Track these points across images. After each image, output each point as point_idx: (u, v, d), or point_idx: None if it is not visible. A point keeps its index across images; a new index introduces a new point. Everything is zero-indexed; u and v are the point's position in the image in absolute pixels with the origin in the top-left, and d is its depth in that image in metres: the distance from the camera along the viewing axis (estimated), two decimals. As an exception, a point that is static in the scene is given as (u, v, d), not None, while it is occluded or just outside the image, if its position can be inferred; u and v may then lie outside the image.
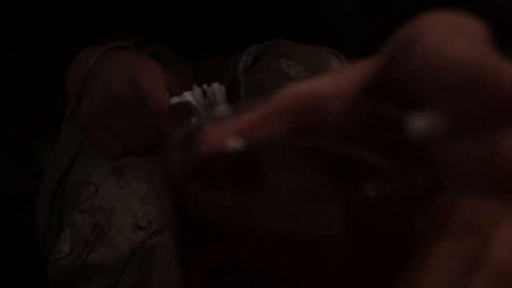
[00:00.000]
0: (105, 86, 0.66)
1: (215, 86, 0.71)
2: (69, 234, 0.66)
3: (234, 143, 0.23)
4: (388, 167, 0.22)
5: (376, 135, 0.23)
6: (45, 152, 0.79)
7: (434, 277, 0.19)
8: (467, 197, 0.20)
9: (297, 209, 0.19)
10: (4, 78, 0.78)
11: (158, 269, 0.61)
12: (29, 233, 0.73)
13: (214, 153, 0.23)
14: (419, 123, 0.21)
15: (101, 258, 0.62)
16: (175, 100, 0.69)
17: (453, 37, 0.20)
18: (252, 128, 0.24)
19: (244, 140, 0.23)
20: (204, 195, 0.20)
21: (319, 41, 0.79)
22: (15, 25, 0.75)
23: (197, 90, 0.70)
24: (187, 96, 0.70)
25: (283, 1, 0.79)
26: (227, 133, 0.23)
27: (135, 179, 0.66)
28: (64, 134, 0.74)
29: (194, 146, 0.23)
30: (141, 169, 0.67)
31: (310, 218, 0.19)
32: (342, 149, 0.24)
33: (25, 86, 0.78)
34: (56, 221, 0.70)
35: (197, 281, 0.22)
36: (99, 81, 0.67)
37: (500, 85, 0.19)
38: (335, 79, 0.24)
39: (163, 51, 0.76)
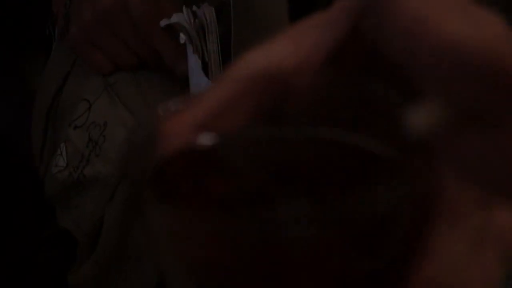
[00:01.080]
0: (93, 3, 0.66)
1: (205, 7, 0.71)
2: (64, 148, 0.66)
3: (203, 138, 0.20)
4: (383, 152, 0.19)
5: (356, 113, 0.20)
6: (36, 77, 0.78)
7: (449, 262, 0.19)
8: (469, 189, 0.19)
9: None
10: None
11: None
12: (24, 156, 0.74)
13: (177, 153, 0.20)
14: (420, 116, 0.17)
15: (97, 171, 0.63)
16: (164, 22, 0.69)
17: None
18: (215, 117, 0.20)
19: (212, 134, 0.20)
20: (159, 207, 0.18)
21: None
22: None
23: (186, 11, 0.70)
24: (177, 17, 0.70)
25: None
26: (191, 127, 0.20)
27: (127, 94, 0.66)
28: (54, 55, 0.74)
29: (157, 143, 0.20)
30: (133, 84, 0.67)
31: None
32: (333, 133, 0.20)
33: (13, 11, 0.77)
34: (51, 138, 0.71)
35: None
36: None
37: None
38: (296, 44, 0.20)
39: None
